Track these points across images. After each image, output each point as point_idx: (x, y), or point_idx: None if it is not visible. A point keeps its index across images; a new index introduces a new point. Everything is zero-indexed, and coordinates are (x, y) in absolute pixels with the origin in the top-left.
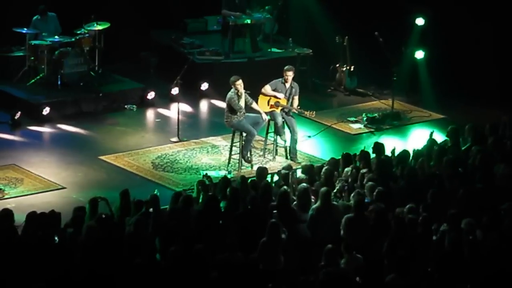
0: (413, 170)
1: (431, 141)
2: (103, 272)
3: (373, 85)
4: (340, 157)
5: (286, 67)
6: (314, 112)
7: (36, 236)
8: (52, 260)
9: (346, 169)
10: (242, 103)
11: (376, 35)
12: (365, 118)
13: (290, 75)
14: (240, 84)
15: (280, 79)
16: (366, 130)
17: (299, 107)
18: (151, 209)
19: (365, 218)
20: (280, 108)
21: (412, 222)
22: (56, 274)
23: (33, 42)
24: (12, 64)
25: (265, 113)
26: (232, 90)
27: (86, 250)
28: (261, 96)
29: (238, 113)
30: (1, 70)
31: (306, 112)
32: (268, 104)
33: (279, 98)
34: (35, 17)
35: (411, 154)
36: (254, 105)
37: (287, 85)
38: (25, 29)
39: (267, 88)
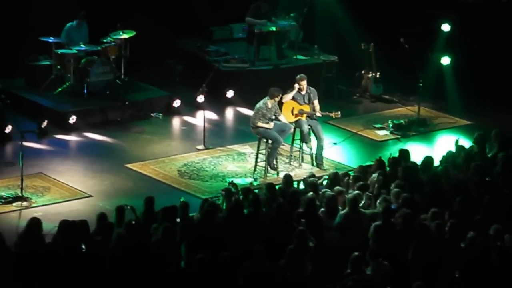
0: (438, 177)
1: (457, 147)
2: (132, 279)
3: (399, 92)
4: (367, 164)
5: (298, 77)
6: (339, 112)
7: (65, 244)
8: (81, 268)
9: (373, 175)
10: (270, 113)
11: (401, 41)
12: (391, 125)
13: (303, 83)
14: (278, 97)
15: (295, 87)
16: (392, 137)
17: (322, 112)
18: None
19: (392, 225)
20: (305, 115)
21: (438, 228)
22: (85, 282)
23: (60, 51)
24: (39, 73)
25: (291, 122)
26: (263, 100)
27: (116, 257)
28: (284, 106)
29: (265, 122)
30: (28, 79)
31: (331, 114)
32: (293, 114)
33: (297, 111)
34: (69, 24)
35: (438, 160)
36: (281, 117)
37: (303, 92)
38: (52, 38)
39: (287, 97)
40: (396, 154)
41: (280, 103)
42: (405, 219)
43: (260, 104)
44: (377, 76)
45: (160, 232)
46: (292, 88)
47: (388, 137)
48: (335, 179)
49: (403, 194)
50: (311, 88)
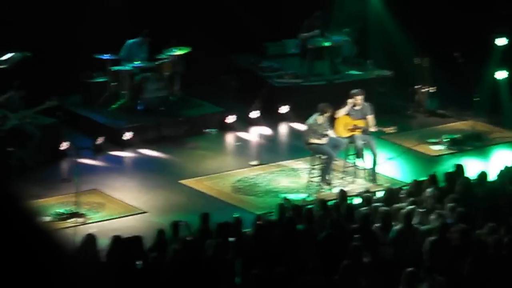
0: (494, 191)
1: None
2: None
3: (453, 106)
4: (422, 179)
5: (354, 91)
6: (394, 127)
7: (120, 261)
8: (136, 284)
9: (427, 190)
10: (322, 129)
11: (456, 55)
12: (446, 140)
13: (359, 98)
14: (328, 113)
15: (350, 103)
16: (447, 152)
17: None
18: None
19: (447, 240)
20: (359, 130)
21: (495, 244)
22: None
23: (115, 68)
24: (94, 90)
25: (345, 137)
26: (313, 116)
27: (171, 273)
28: (338, 122)
29: (318, 137)
30: (83, 96)
31: (385, 129)
32: (346, 129)
33: (354, 119)
34: (131, 41)
35: (494, 175)
36: (330, 132)
37: (358, 108)
38: (107, 55)
39: (341, 113)
40: (452, 169)
41: (333, 119)
42: (461, 234)
43: (310, 120)
44: (432, 90)
45: (214, 248)
46: (346, 104)
47: (443, 152)
48: (389, 194)
49: (458, 209)
50: (366, 103)
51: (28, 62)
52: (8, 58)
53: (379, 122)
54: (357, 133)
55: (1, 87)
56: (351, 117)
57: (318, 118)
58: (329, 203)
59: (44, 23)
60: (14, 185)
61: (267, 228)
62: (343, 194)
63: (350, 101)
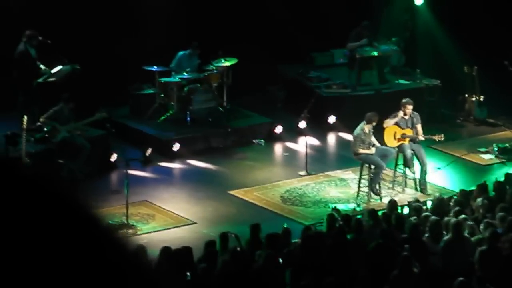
0: None
1: None
2: None
3: (503, 115)
4: (469, 189)
5: (404, 101)
6: (442, 135)
7: (169, 272)
8: None
9: (477, 200)
10: (369, 138)
11: (506, 64)
12: (496, 149)
13: (409, 108)
14: (375, 122)
15: (399, 112)
16: (497, 161)
17: (425, 135)
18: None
19: (498, 250)
20: (407, 139)
21: None
22: None
23: (163, 79)
24: (143, 101)
25: (393, 147)
26: (360, 125)
27: (221, 285)
28: (386, 131)
29: (366, 147)
30: (132, 108)
31: (434, 137)
32: (395, 138)
33: (399, 136)
34: (181, 53)
35: None
36: (373, 139)
37: (407, 117)
38: (155, 67)
39: (390, 122)
40: (502, 178)
41: (382, 128)
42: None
43: (357, 130)
44: (481, 99)
45: (263, 259)
46: (395, 115)
47: (493, 161)
48: (439, 204)
49: (509, 218)
50: (415, 112)
51: (77, 74)
52: (57, 71)
53: (428, 131)
54: (405, 142)
55: (51, 100)
56: (400, 126)
57: (365, 127)
58: (379, 213)
59: (93, 35)
60: (78, 194)
61: (316, 238)
62: (392, 204)
63: (400, 113)
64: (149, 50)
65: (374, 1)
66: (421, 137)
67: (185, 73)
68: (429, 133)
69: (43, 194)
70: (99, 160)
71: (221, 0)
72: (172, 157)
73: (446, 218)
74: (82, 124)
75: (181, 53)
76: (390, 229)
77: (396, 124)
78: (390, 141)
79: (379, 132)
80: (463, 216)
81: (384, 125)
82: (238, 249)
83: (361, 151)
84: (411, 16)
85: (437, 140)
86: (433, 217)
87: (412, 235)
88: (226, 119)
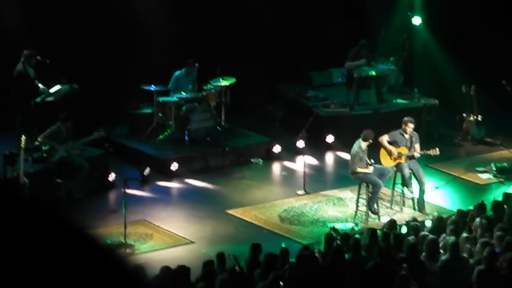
0: None
1: None
2: None
3: (501, 135)
4: (467, 209)
5: (406, 119)
6: (437, 149)
7: None
8: None
9: (476, 219)
10: (366, 156)
11: (503, 83)
12: (494, 168)
13: (410, 126)
14: (372, 139)
15: (399, 130)
16: (495, 180)
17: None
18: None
19: (496, 269)
20: (403, 157)
21: None
22: None
23: (161, 99)
24: (141, 121)
25: (391, 166)
26: (357, 143)
27: None
28: (382, 151)
29: (364, 166)
30: (130, 127)
31: (429, 152)
32: (391, 157)
33: (395, 154)
34: (178, 73)
35: None
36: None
37: (407, 136)
38: (153, 86)
39: (384, 140)
40: (500, 198)
41: (378, 147)
42: (509, 263)
43: (355, 148)
44: (479, 118)
45: (260, 277)
46: (394, 132)
47: (491, 181)
48: (437, 223)
49: (507, 238)
50: (414, 132)
51: (75, 93)
52: (56, 91)
53: (425, 148)
54: (402, 161)
55: (49, 119)
56: (397, 144)
57: (362, 145)
58: (377, 232)
59: (91, 54)
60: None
61: (314, 257)
62: (392, 223)
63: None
64: (147, 69)
65: (372, 21)
66: (416, 154)
67: (183, 93)
68: (424, 148)
69: (40, 217)
70: (97, 179)
71: (219, 20)
72: (170, 176)
73: (443, 237)
74: (80, 143)
75: (177, 73)
76: (389, 249)
77: (393, 142)
78: (387, 160)
79: (375, 151)
80: (464, 235)
81: (379, 140)
82: (237, 268)
83: (359, 169)
84: (408, 36)
85: (432, 155)
86: (430, 236)
87: (410, 254)
88: (224, 138)
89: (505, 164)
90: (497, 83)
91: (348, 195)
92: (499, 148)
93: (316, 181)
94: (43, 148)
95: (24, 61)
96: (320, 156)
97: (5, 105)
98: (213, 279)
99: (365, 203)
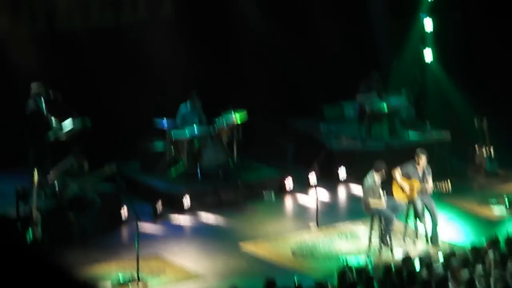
0: None
1: None
2: None
3: None
4: (480, 245)
5: (419, 151)
6: (449, 182)
7: None
8: None
9: (489, 254)
10: (379, 189)
11: None
12: (507, 201)
13: (423, 159)
14: (384, 171)
15: (412, 162)
16: (508, 214)
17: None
18: None
19: None
20: (415, 191)
21: None
22: None
23: (173, 133)
24: (153, 155)
25: (404, 200)
26: (370, 175)
27: None
28: (395, 185)
29: (377, 199)
30: (142, 162)
31: (441, 186)
32: (404, 192)
33: (407, 189)
34: (183, 105)
35: None
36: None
37: (419, 168)
38: (165, 121)
39: (397, 173)
40: None
41: (391, 181)
42: None
43: (368, 182)
44: (491, 151)
45: None
46: (407, 165)
47: (504, 214)
48: (450, 257)
49: None
50: (426, 164)
51: (87, 128)
52: (68, 126)
53: (437, 182)
54: (415, 194)
55: (61, 154)
56: (409, 177)
57: (375, 176)
58: (390, 267)
59: (104, 89)
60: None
61: None
62: (404, 258)
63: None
64: (160, 104)
65: (383, 54)
66: (429, 190)
67: (195, 127)
68: (436, 181)
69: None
70: (109, 214)
71: (231, 54)
72: (183, 211)
73: (458, 273)
74: (93, 178)
75: (182, 106)
76: (402, 284)
77: (406, 174)
78: (399, 194)
79: (388, 183)
80: (478, 271)
81: (392, 174)
82: None
83: (372, 202)
84: (420, 70)
85: (444, 189)
86: (441, 273)
87: None
88: (236, 173)
89: None
90: (509, 115)
91: (361, 228)
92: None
93: (329, 214)
94: (56, 183)
95: (34, 96)
96: (332, 190)
97: (18, 141)
98: None
99: (378, 237)
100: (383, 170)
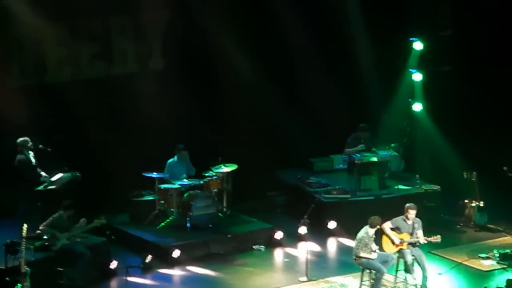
0: None
1: None
2: None
3: (504, 221)
4: None
5: (408, 205)
6: (439, 236)
7: None
8: None
9: None
10: (372, 242)
11: (505, 169)
12: (497, 255)
13: (412, 213)
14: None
15: (402, 216)
16: (499, 267)
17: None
18: None
19: None
20: (405, 243)
21: None
22: None
23: (163, 186)
24: (143, 208)
25: (394, 252)
26: (364, 229)
27: None
28: (384, 238)
29: (368, 252)
30: (132, 214)
31: (430, 239)
32: (394, 244)
33: (396, 243)
34: (170, 160)
35: None
36: (375, 247)
37: (409, 222)
38: (155, 173)
39: (386, 227)
40: (503, 285)
41: (380, 235)
42: None
43: (362, 234)
44: (481, 205)
45: None
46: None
47: (494, 267)
48: None
49: None
50: (416, 218)
51: (76, 181)
52: (58, 179)
53: (428, 236)
54: (404, 247)
55: (51, 207)
56: (399, 231)
57: (369, 231)
58: None
59: (93, 142)
60: None
61: None
62: None
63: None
64: (149, 157)
65: (372, 107)
66: (422, 240)
67: (185, 180)
68: (426, 235)
69: None
70: (99, 267)
71: (221, 107)
72: (172, 263)
73: None
74: (82, 231)
75: (170, 161)
76: None
77: (396, 228)
78: (389, 246)
79: (378, 237)
80: None
81: (382, 227)
82: None
83: (363, 255)
84: (409, 122)
85: (433, 242)
86: None
87: None
88: (226, 225)
89: (508, 251)
90: (499, 169)
91: (351, 281)
92: (501, 234)
93: (319, 267)
94: (45, 236)
95: (22, 149)
96: (322, 242)
97: (7, 193)
98: None
99: None
100: (378, 226)
